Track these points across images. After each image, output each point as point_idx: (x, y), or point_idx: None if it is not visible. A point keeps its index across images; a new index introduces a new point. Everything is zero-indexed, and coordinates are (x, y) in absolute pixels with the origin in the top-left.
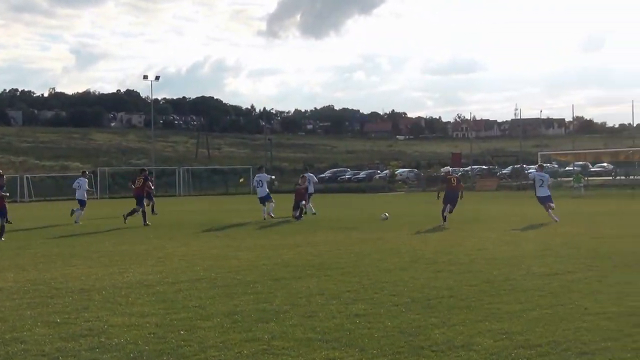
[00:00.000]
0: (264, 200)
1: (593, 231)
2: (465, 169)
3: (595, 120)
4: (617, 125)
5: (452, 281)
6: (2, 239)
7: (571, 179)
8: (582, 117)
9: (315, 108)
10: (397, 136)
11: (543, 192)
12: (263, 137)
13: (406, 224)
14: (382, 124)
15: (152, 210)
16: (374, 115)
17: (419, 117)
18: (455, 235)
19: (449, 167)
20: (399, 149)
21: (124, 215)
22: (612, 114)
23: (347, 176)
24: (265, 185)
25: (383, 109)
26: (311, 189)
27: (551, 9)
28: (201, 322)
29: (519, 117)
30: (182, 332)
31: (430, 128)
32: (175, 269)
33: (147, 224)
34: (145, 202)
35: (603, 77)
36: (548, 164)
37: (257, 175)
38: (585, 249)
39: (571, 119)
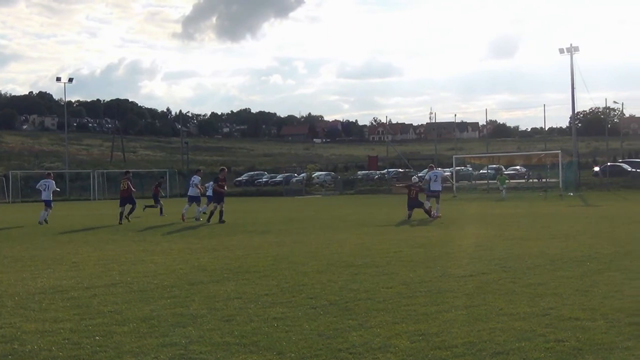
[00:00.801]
0: (192, 199)
1: (506, 233)
2: (382, 172)
3: (508, 124)
4: (529, 129)
5: (369, 284)
6: None
7: (487, 181)
8: (496, 121)
9: (231, 111)
10: (314, 139)
11: (436, 186)
12: (179, 140)
13: (323, 227)
14: (299, 128)
15: (160, 212)
16: (291, 118)
17: (335, 120)
18: (372, 238)
19: (416, 177)
20: (316, 152)
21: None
22: (524, 118)
23: (264, 179)
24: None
25: (300, 112)
26: (209, 192)
27: (464, 14)
28: (117, 327)
29: (433, 121)
30: (97, 338)
31: (347, 131)
32: (90, 274)
33: (121, 223)
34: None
35: (514, 82)
36: (463, 167)
37: (193, 176)
38: (499, 250)
39: (485, 123)
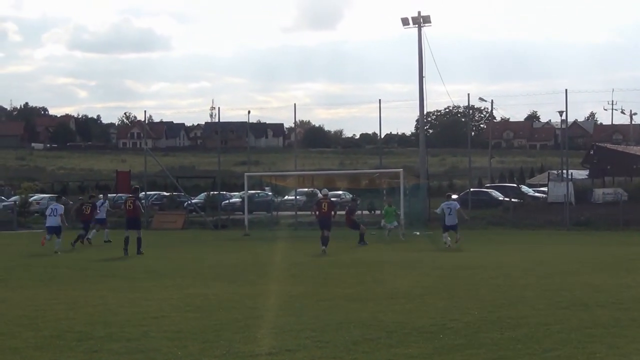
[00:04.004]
0: (55, 230)
1: (323, 290)
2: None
3: (326, 128)
4: (357, 136)
5: None
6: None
7: (296, 212)
8: (309, 123)
9: None
10: (33, 144)
11: (450, 220)
12: None
13: (46, 278)
14: (10, 126)
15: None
16: None
17: (66, 115)
18: (121, 296)
19: (326, 189)
20: (36, 164)
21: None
22: (350, 119)
23: None
24: (59, 217)
25: (11, 102)
26: None
27: None
28: None
29: (216, 120)
30: None
31: (85, 133)
32: None
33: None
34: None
35: (336, 65)
36: (259, 191)
37: (53, 205)
38: (312, 316)
39: (292, 125)
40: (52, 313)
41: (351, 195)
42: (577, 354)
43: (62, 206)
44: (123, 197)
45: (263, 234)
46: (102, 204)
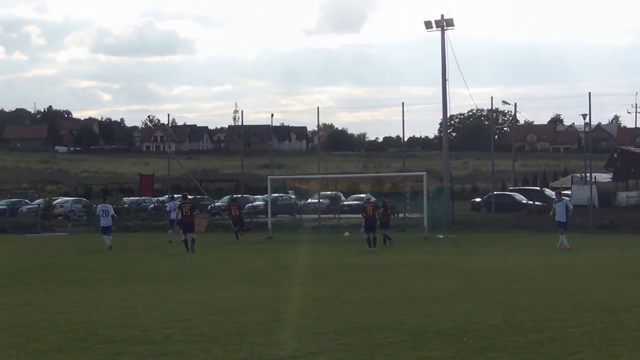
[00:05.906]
0: (108, 230)
1: (346, 293)
2: (160, 198)
3: (350, 131)
4: (380, 139)
5: None
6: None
7: (319, 215)
8: (332, 126)
9: None
10: (57, 147)
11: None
12: None
13: (69, 281)
14: (33, 129)
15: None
16: (20, 114)
17: (90, 118)
18: (144, 299)
19: (369, 194)
20: (60, 167)
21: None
22: (373, 122)
23: None
24: (110, 217)
25: (35, 105)
26: None
27: None
28: None
29: (239, 124)
30: None
31: (108, 136)
32: None
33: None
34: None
35: (360, 68)
36: (282, 194)
37: (101, 205)
38: (335, 319)
39: (316, 128)
40: (76, 316)
41: (374, 199)
42: (600, 357)
43: (111, 206)
44: (146, 201)
45: (286, 236)
46: (175, 207)
